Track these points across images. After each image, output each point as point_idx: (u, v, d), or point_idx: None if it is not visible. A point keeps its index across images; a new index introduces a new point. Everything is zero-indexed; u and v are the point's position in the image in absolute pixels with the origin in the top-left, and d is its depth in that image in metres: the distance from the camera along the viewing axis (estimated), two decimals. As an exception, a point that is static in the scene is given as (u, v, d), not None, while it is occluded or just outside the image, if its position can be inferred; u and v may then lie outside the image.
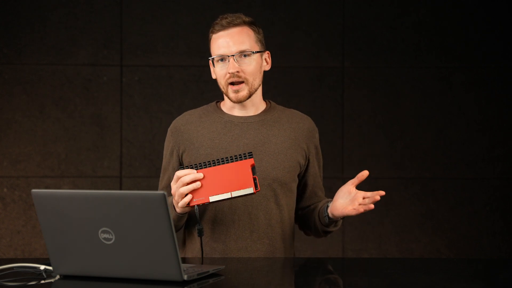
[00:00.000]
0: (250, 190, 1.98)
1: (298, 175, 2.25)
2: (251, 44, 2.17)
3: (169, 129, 2.29)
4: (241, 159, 1.98)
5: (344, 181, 3.92)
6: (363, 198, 2.04)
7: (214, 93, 3.86)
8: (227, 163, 1.98)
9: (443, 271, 1.90)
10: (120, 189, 3.89)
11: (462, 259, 3.38)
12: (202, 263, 1.99)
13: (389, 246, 3.93)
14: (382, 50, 3.94)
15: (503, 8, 3.94)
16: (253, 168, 1.98)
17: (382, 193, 2.01)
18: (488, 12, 3.94)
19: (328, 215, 2.15)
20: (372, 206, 2.01)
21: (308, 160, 2.25)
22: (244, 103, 2.21)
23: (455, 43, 3.94)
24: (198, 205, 2.00)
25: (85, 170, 3.87)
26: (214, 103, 2.31)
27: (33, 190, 1.67)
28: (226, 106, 2.26)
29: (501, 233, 3.94)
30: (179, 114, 2.34)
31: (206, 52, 3.91)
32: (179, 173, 1.98)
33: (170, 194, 2.26)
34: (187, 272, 1.66)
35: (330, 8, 3.93)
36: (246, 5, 3.89)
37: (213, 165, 1.98)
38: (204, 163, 1.99)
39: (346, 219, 3.87)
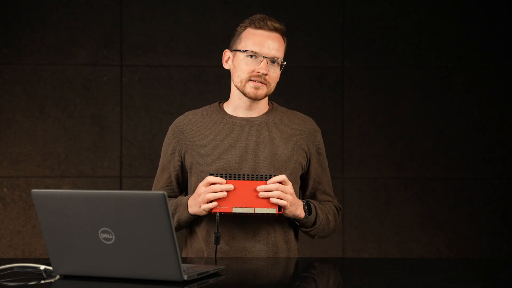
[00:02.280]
0: (274, 210, 2.05)
1: (301, 177, 2.26)
2: (282, 53, 2.22)
3: (170, 128, 2.29)
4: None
5: (344, 181, 3.95)
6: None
7: (214, 93, 3.87)
8: (257, 180, 2.05)
9: (443, 271, 1.90)
10: (120, 189, 3.89)
11: (462, 259, 3.38)
12: (215, 258, 2.04)
13: (389, 246, 3.93)
14: (382, 50, 3.94)
15: (503, 8, 3.94)
16: None
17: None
18: (488, 12, 3.94)
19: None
20: (269, 194, 2.04)
21: (309, 161, 2.26)
22: (251, 104, 2.23)
23: (455, 43, 3.94)
24: (220, 213, 2.05)
25: (85, 170, 3.87)
26: (216, 103, 2.31)
27: (33, 190, 1.67)
28: (230, 106, 2.27)
29: (501, 233, 3.94)
30: (179, 114, 2.34)
31: (206, 52, 3.93)
32: (210, 179, 2.04)
33: (169, 194, 2.26)
34: (187, 272, 1.66)
35: (330, 8, 3.93)
36: (246, 5, 3.89)
37: (243, 179, 2.05)
38: (235, 175, 2.05)
39: (346, 219, 3.89)
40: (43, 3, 3.87)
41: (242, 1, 3.90)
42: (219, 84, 3.86)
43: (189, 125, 2.26)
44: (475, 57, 3.94)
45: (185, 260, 2.06)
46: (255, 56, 2.17)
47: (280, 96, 3.84)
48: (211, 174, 2.06)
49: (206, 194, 2.04)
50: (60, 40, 3.87)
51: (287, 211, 2.09)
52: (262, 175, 2.06)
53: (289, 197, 2.06)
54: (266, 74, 2.16)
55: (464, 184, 3.95)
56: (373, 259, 3.37)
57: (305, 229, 2.21)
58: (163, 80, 3.90)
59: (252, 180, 2.05)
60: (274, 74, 2.19)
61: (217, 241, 2.05)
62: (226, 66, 2.27)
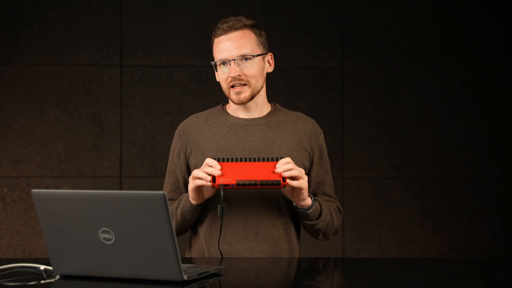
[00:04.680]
0: (278, 182, 2.01)
1: None
2: (252, 47, 2.18)
3: (176, 132, 2.30)
4: (273, 161, 2.06)
5: (344, 181, 3.94)
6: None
7: (214, 93, 3.87)
8: (259, 161, 2.06)
9: (443, 271, 1.91)
10: (120, 189, 3.89)
11: (462, 259, 3.38)
12: (218, 244, 2.03)
13: (389, 246, 3.93)
14: (382, 50, 3.94)
15: (503, 8, 3.95)
16: None
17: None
18: (488, 12, 3.94)
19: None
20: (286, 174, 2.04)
21: (312, 162, 2.26)
22: (247, 105, 2.22)
23: (455, 43, 3.94)
24: (223, 186, 2.01)
25: (85, 170, 3.87)
26: (220, 106, 2.32)
27: (33, 190, 1.67)
28: (231, 108, 2.28)
29: (501, 233, 3.94)
30: (179, 114, 2.35)
31: (206, 52, 3.92)
32: (208, 160, 2.05)
33: (177, 198, 2.26)
34: (187, 272, 1.66)
35: (330, 8, 3.94)
36: (246, 5, 3.89)
37: (245, 161, 2.06)
38: (237, 158, 2.06)
39: (346, 219, 3.89)
40: (43, 3, 3.87)
41: (242, 1, 3.90)
42: (219, 84, 3.85)
43: (193, 127, 2.26)
44: (475, 57, 3.94)
45: (185, 260, 2.05)
46: (225, 63, 2.18)
47: (280, 96, 3.84)
48: (213, 158, 2.06)
49: (198, 171, 2.04)
50: (60, 40, 3.87)
51: (302, 193, 2.07)
52: (261, 158, 2.06)
53: (305, 177, 2.05)
54: (239, 75, 2.16)
55: (464, 184, 3.95)
56: (373, 259, 3.37)
57: (310, 222, 2.17)
58: (163, 80, 3.90)
59: (252, 161, 2.06)
60: (250, 70, 2.17)
61: (222, 213, 2.02)
62: (218, 79, 2.27)
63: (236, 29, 2.18)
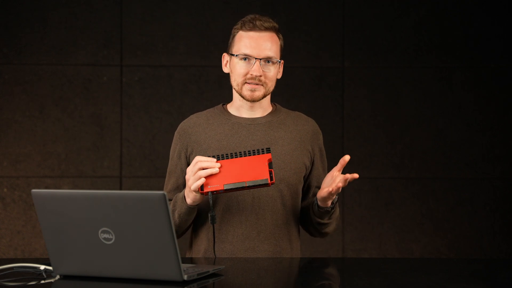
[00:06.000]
0: (265, 180, 2.01)
1: (303, 177, 2.26)
2: (276, 52, 2.20)
3: (176, 132, 2.30)
4: (259, 153, 2.03)
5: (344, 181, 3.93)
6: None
7: (214, 93, 3.87)
8: (244, 156, 2.03)
9: (443, 271, 1.90)
10: (120, 189, 3.89)
11: (462, 259, 3.38)
12: (214, 252, 1.99)
13: (389, 246, 3.93)
14: (382, 50, 3.94)
15: (503, 8, 3.95)
16: (270, 162, 2.03)
17: (355, 176, 2.08)
18: (488, 12, 3.94)
19: (317, 202, 2.16)
20: (342, 177, 2.06)
21: (313, 162, 2.27)
22: (253, 105, 2.23)
23: (455, 43, 3.94)
24: (212, 193, 2.01)
25: (85, 170, 3.87)
26: (220, 105, 2.32)
27: (33, 190, 1.67)
28: (234, 107, 2.27)
29: (501, 233, 3.94)
30: (179, 114, 2.35)
31: (206, 52, 3.93)
32: (199, 157, 2.02)
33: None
34: (187, 272, 1.66)
35: (330, 8, 3.94)
36: (246, 5, 3.89)
37: (231, 157, 2.03)
38: (222, 155, 2.03)
39: (346, 219, 3.89)
40: (43, 3, 3.87)
41: (242, 1, 3.90)
42: (219, 84, 3.86)
43: (194, 127, 2.26)
44: (475, 57, 3.94)
45: (185, 260, 2.05)
46: (248, 58, 2.17)
47: (280, 96, 3.84)
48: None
49: (196, 172, 2.01)
50: (60, 40, 3.87)
51: (332, 197, 2.10)
52: (246, 151, 2.03)
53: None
54: (260, 75, 2.16)
55: (464, 184, 3.95)
56: (373, 259, 3.37)
57: (324, 221, 2.19)
58: (163, 80, 3.90)
59: (237, 157, 2.03)
60: (270, 73, 2.18)
61: (213, 221, 2.04)
62: (225, 69, 2.27)
63: (267, 29, 2.19)
